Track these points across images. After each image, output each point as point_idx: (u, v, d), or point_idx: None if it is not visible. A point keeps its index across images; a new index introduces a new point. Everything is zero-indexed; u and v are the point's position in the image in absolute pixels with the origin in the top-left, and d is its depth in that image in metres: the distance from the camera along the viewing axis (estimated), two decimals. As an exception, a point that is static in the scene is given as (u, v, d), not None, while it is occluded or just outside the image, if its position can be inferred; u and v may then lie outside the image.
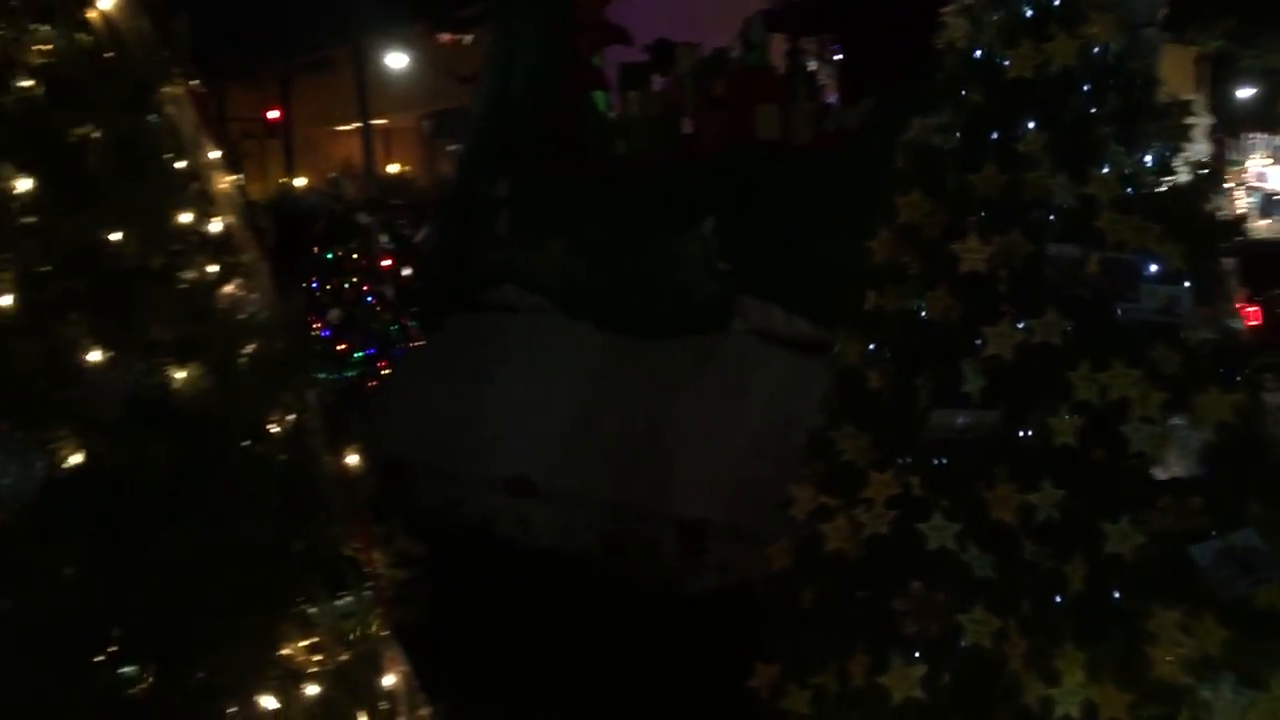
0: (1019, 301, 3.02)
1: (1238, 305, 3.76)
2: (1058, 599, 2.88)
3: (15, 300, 2.13)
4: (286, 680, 2.28)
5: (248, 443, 2.42)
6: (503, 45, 7.48)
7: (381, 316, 9.13)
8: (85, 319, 2.21)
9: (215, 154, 2.55)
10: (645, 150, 6.77)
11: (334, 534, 2.47)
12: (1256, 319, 8.35)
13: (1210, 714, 2.78)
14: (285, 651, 2.28)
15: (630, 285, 6.20)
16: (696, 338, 5.93)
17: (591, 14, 7.15)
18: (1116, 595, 2.87)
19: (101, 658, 2.09)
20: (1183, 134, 3.19)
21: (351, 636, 2.34)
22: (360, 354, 8.70)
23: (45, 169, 2.22)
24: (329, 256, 9.29)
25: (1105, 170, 3.07)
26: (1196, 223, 3.15)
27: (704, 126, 6.65)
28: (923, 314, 3.16)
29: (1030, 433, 2.99)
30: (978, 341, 3.01)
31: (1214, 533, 2.87)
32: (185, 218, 2.45)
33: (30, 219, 2.20)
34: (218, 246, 2.52)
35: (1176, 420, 2.97)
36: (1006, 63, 3.14)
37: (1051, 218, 3.07)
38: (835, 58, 7.73)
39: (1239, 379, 3.08)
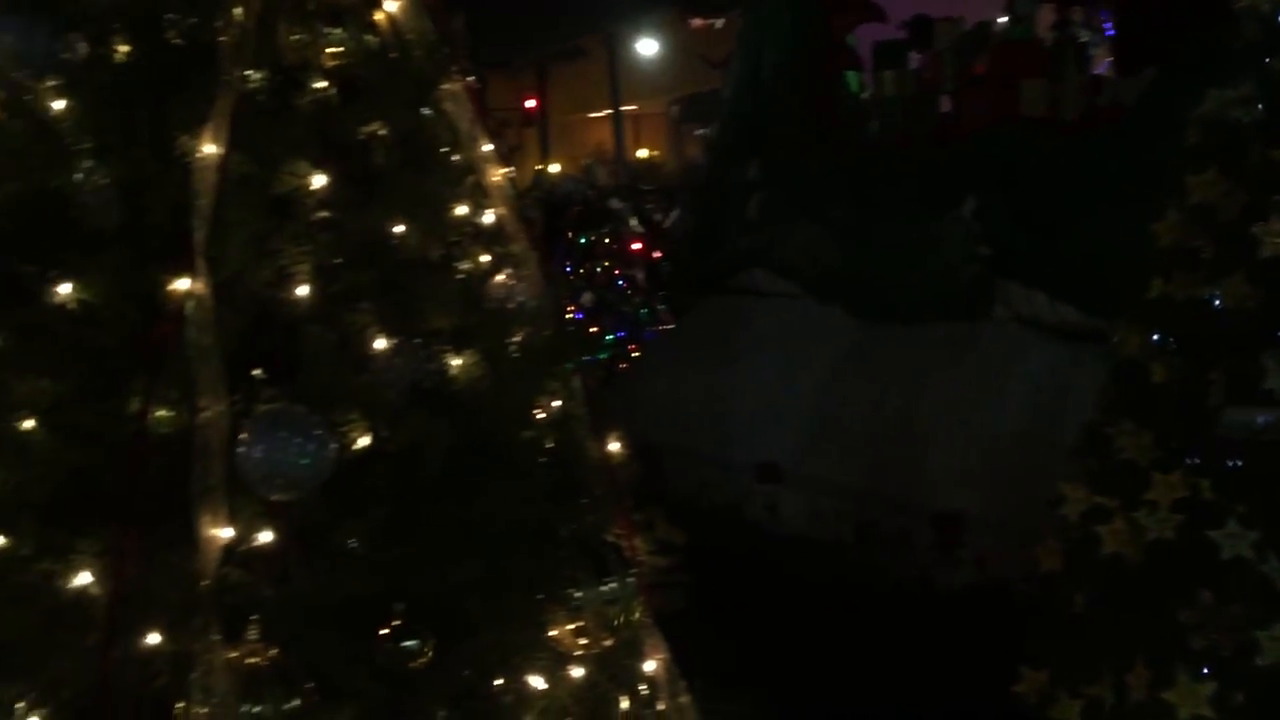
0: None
1: None
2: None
3: (311, 291, 2.25)
4: (554, 662, 2.32)
5: (518, 428, 2.48)
6: (755, 28, 7.42)
7: (632, 300, 9.28)
8: (372, 308, 2.31)
9: (488, 147, 2.62)
10: (901, 130, 6.57)
11: (598, 520, 2.50)
12: None
13: None
14: (553, 634, 2.33)
15: (885, 270, 6.03)
16: (953, 324, 5.72)
17: (845, -8, 7.00)
18: None
19: (385, 631, 2.19)
20: None
21: (615, 622, 2.37)
22: (611, 337, 8.86)
23: (336, 165, 2.33)
24: (582, 241, 9.51)
25: None
26: None
27: (964, 104, 6.39)
28: (1216, 303, 2.91)
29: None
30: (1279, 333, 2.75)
31: None
32: (462, 210, 2.53)
33: (324, 214, 2.32)
34: (491, 237, 2.59)
35: None
36: (1320, 28, 2.85)
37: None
38: (1106, 27, 7.27)
39: None
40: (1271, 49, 2.95)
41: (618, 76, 17.03)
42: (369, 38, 2.43)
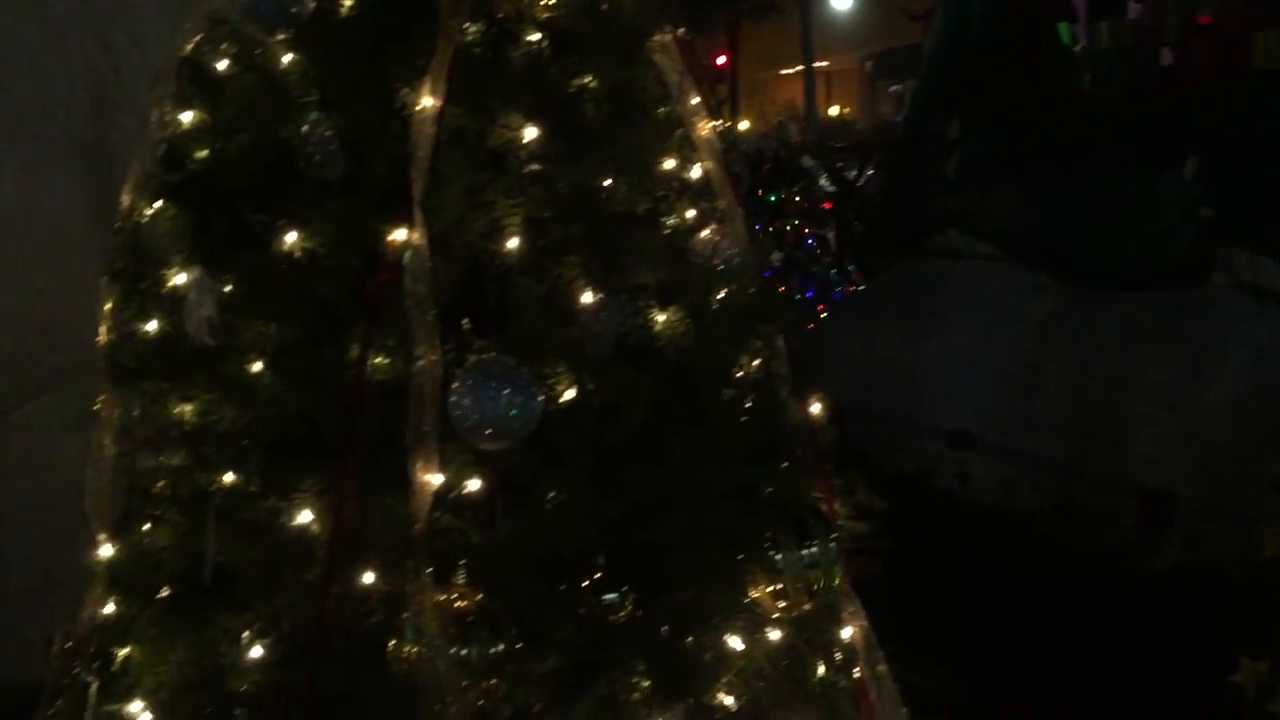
0: None
1: None
2: None
3: (521, 243, 2.26)
4: (752, 623, 2.29)
5: (720, 386, 2.44)
6: (960, -22, 7.10)
7: (821, 260, 9.11)
8: (580, 262, 2.30)
9: (697, 100, 2.56)
10: (1117, 85, 6.18)
11: (799, 482, 2.44)
12: None
13: None
14: (752, 595, 2.29)
15: (1095, 233, 5.70)
16: (1168, 292, 5.37)
17: (1058, -61, 6.61)
18: None
19: (587, 583, 2.19)
20: None
21: (815, 586, 2.31)
22: (799, 296, 8.73)
23: (548, 118, 2.32)
24: (771, 199, 9.38)
25: None
26: None
27: (1188, 57, 5.95)
28: None
29: None
30: None
31: None
32: (669, 164, 2.49)
33: (534, 167, 2.32)
34: (697, 192, 2.54)
35: None
36: None
37: None
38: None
39: None
40: None
41: (810, 32, 16.69)
42: (581, -12, 2.40)
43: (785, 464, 2.45)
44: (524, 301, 2.24)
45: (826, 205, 9.52)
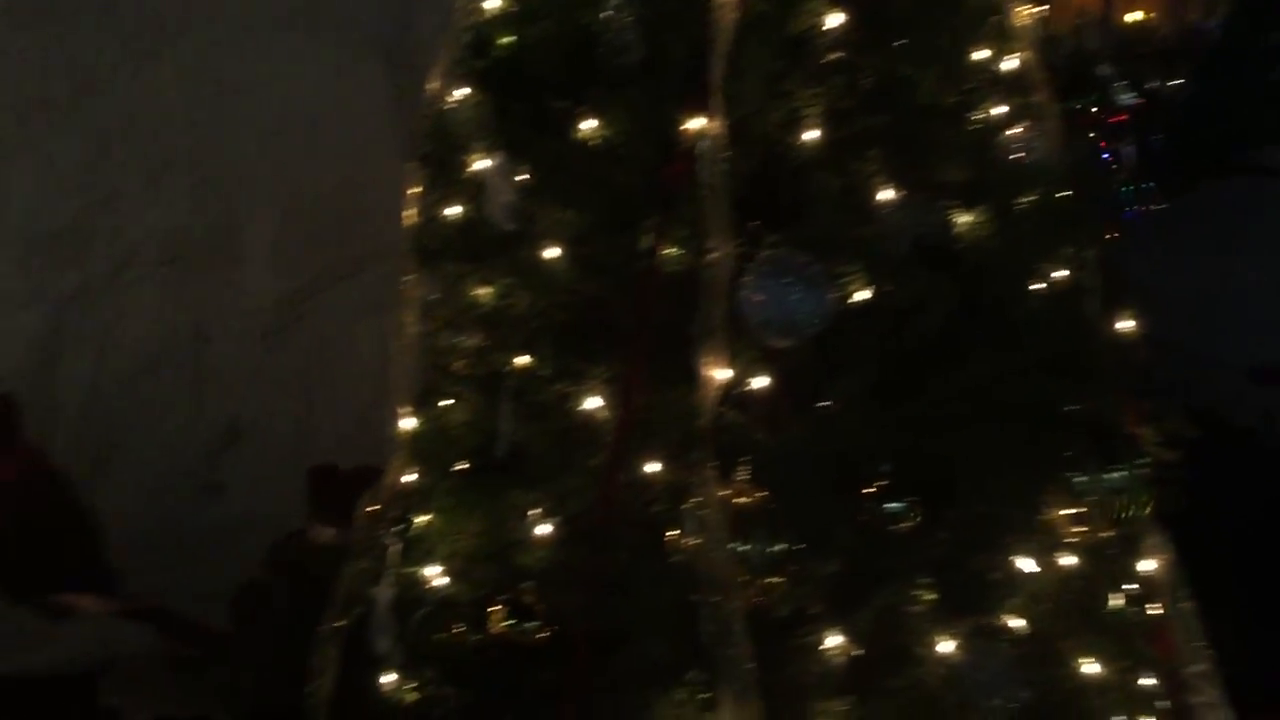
0: None
1: None
2: None
3: (820, 135, 2.16)
4: (1044, 546, 2.15)
5: (1023, 295, 2.29)
6: None
7: (1116, 176, 8.46)
8: (880, 156, 2.18)
9: (1013, -16, 2.37)
10: None
11: (1105, 402, 2.26)
12: None
13: None
14: (1047, 516, 2.15)
15: None
16: None
17: None
18: None
19: (871, 490, 2.12)
20: None
21: (1119, 514, 2.14)
22: (1088, 215, 8.15)
23: (853, 5, 2.20)
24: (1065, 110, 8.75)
25: None
26: None
27: None
28: None
29: None
30: None
31: None
32: (980, 55, 2.32)
33: (837, 55, 2.21)
34: (1009, 85, 2.36)
35: None
36: None
37: None
38: None
39: None
40: None
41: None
42: None
43: (1091, 382, 2.27)
44: (820, 196, 2.16)
45: (1122, 117, 8.81)
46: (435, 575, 2.28)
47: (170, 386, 4.64)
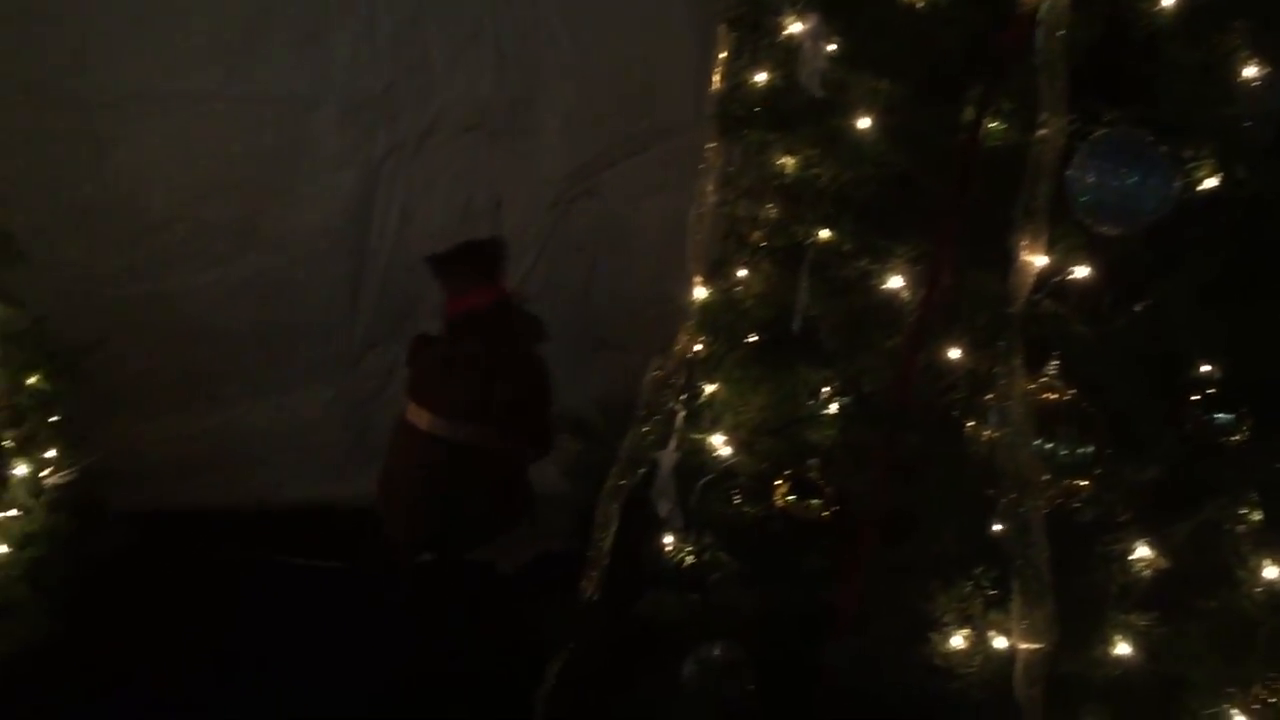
0: None
1: None
2: None
3: (1178, 1, 1.93)
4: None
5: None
6: None
7: None
8: (1247, 29, 1.93)
9: None
10: None
11: None
12: None
13: None
14: None
15: None
16: None
17: None
18: None
19: (1196, 397, 1.93)
20: None
21: None
22: None
23: None
24: None
25: None
26: None
27: None
28: None
29: None
30: None
31: None
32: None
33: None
34: None
35: None
36: None
37: None
38: None
39: None
40: None
41: None
42: None
43: None
44: (1171, 70, 1.93)
45: None
46: (720, 445, 2.27)
47: (465, 250, 4.81)
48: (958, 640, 1.97)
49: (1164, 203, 1.88)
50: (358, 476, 4.38)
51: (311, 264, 4.72)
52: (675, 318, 2.45)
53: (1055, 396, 1.94)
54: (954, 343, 2.02)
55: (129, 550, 3.07)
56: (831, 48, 2.17)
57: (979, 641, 1.95)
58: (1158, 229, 1.91)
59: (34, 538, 2.65)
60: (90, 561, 2.82)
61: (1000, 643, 1.92)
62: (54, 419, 2.89)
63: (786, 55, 2.24)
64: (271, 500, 4.43)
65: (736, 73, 2.38)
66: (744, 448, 2.24)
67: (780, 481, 2.15)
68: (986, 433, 1.96)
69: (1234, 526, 1.88)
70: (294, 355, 4.73)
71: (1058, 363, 1.96)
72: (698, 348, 2.41)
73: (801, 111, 2.20)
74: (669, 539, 2.32)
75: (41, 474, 2.73)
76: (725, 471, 2.27)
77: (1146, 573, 1.90)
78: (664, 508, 2.34)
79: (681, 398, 2.35)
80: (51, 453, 2.85)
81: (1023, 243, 1.91)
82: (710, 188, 2.42)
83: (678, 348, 2.42)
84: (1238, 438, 1.92)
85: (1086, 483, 1.92)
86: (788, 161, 2.24)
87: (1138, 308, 1.97)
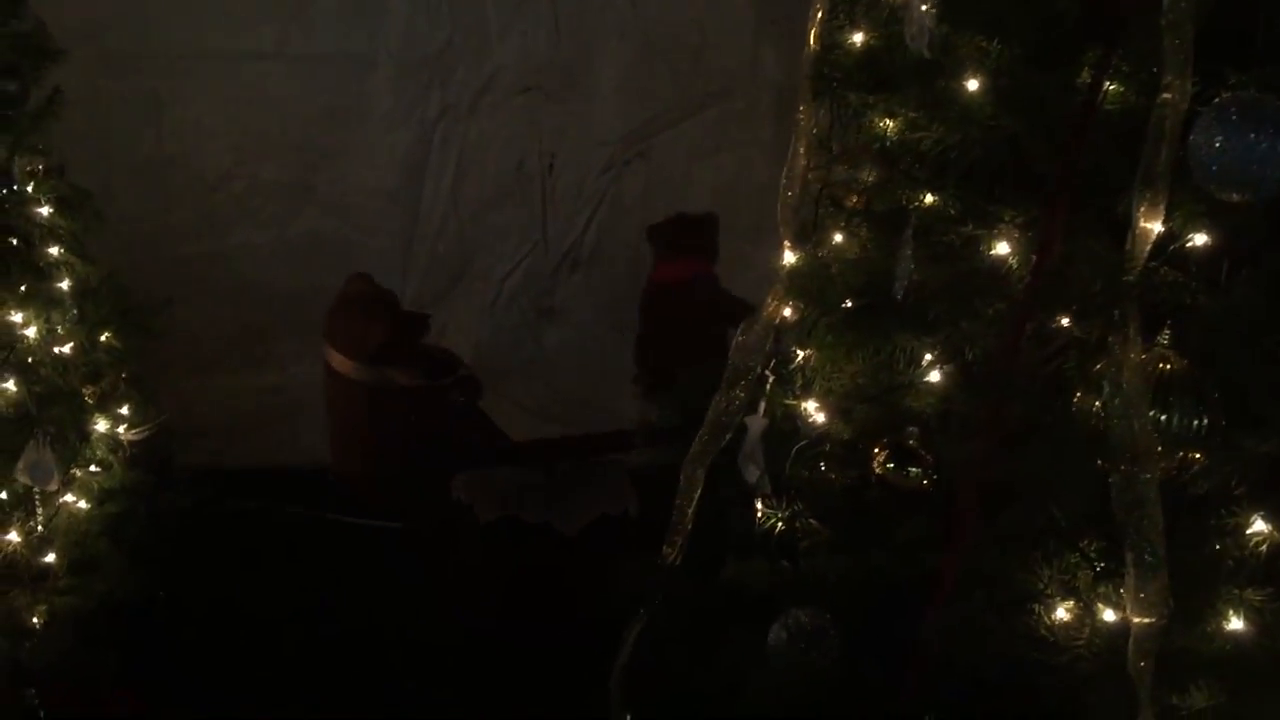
0: None
1: None
2: None
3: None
4: None
5: None
6: None
7: None
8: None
9: None
10: None
11: None
12: None
13: None
14: None
15: None
16: None
17: None
18: None
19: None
20: None
21: None
22: None
23: None
24: None
25: None
26: None
27: None
28: None
29: None
30: None
31: None
32: None
33: None
34: None
35: None
36: None
37: None
38: None
39: None
40: None
41: None
42: None
43: None
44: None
45: None
46: (814, 411, 2.21)
47: (516, 212, 4.76)
48: (1061, 613, 1.92)
49: (1293, 170, 1.80)
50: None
51: (365, 224, 4.67)
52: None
53: (1168, 366, 1.87)
54: (1064, 310, 1.95)
55: (198, 507, 3.05)
56: (941, 5, 2.08)
57: (1086, 613, 1.90)
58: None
59: (113, 494, 2.62)
60: (165, 517, 2.79)
61: (1109, 615, 1.87)
62: (124, 375, 2.86)
63: (889, 15, 2.16)
64: (323, 459, 4.40)
65: (831, 33, 2.29)
66: (840, 414, 2.18)
67: (879, 449, 2.08)
68: (1096, 403, 1.90)
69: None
70: (349, 315, 4.67)
71: (1169, 332, 1.89)
72: (787, 312, 2.34)
73: (904, 73, 2.12)
74: (757, 505, 2.26)
75: (119, 430, 2.70)
76: (819, 438, 2.20)
77: (1263, 548, 1.84)
78: (752, 474, 2.28)
79: (772, 364, 2.29)
80: (124, 409, 2.82)
81: (1141, 209, 1.84)
82: (802, 149, 2.34)
83: (766, 313, 2.36)
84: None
85: (1199, 455, 1.86)
86: (888, 124, 2.16)
87: (1256, 276, 1.89)
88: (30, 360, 2.44)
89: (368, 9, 4.49)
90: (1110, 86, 1.91)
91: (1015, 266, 1.99)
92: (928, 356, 2.08)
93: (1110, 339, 1.87)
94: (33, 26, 2.60)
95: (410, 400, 3.58)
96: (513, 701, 3.02)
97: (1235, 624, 1.85)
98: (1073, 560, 1.92)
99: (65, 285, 2.59)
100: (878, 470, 2.08)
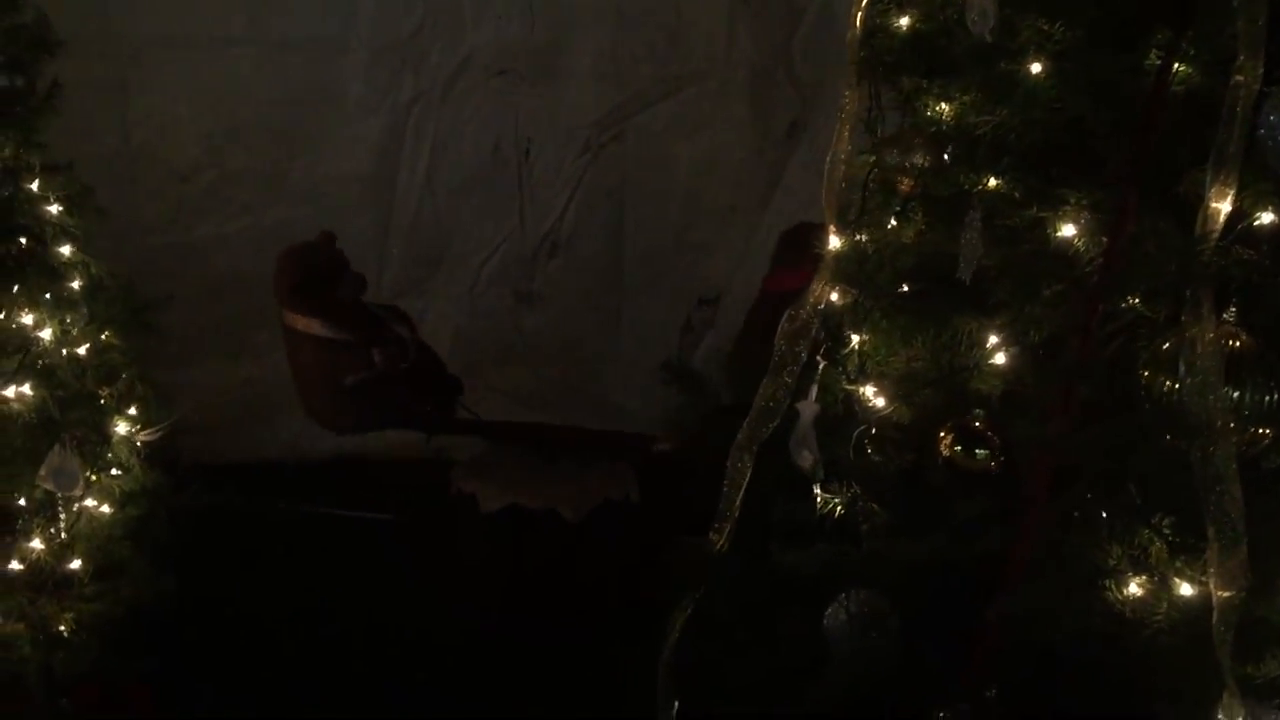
0: None
1: None
2: None
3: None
4: None
5: None
6: None
7: None
8: None
9: None
10: None
11: None
12: None
13: None
14: None
15: None
16: None
17: None
18: None
19: None
20: None
21: None
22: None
23: None
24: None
25: None
26: None
27: None
28: None
29: None
30: None
31: None
32: None
33: None
34: None
35: None
36: None
37: None
38: None
39: None
40: None
41: None
42: None
43: None
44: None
45: None
46: (873, 396, 2.18)
47: (493, 196, 4.65)
48: (1134, 588, 1.92)
49: None
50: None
51: (339, 212, 4.51)
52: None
53: (1237, 344, 1.88)
54: (1134, 291, 1.94)
55: (211, 507, 2.92)
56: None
57: (1161, 588, 1.89)
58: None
59: (134, 496, 2.48)
60: (183, 518, 2.66)
61: (1186, 589, 1.87)
62: (127, 375, 2.71)
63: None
64: (308, 452, 4.27)
65: (876, 16, 2.24)
66: (900, 398, 2.15)
67: (945, 432, 2.06)
68: (1166, 381, 1.89)
69: None
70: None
71: (1234, 309, 1.89)
72: (834, 297, 2.30)
73: (965, 57, 2.08)
74: (815, 490, 2.22)
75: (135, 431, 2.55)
76: (877, 422, 2.17)
77: (1336, 520, 1.86)
78: (806, 459, 2.24)
79: (824, 349, 2.25)
80: (133, 410, 2.67)
81: (1213, 189, 1.84)
82: (846, 133, 2.29)
83: (811, 298, 2.31)
84: None
85: (1272, 431, 1.87)
86: (944, 107, 2.13)
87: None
88: (45, 363, 2.29)
89: (338, -9, 4.33)
90: (1181, 68, 1.90)
91: (1082, 249, 1.97)
92: (992, 339, 2.06)
93: (1183, 317, 1.87)
94: (33, 17, 2.43)
95: (321, 349, 3.49)
96: (513, 701, 2.97)
97: (1311, 595, 1.87)
98: (1145, 536, 1.91)
99: (76, 285, 2.44)
100: (944, 453, 2.05)
